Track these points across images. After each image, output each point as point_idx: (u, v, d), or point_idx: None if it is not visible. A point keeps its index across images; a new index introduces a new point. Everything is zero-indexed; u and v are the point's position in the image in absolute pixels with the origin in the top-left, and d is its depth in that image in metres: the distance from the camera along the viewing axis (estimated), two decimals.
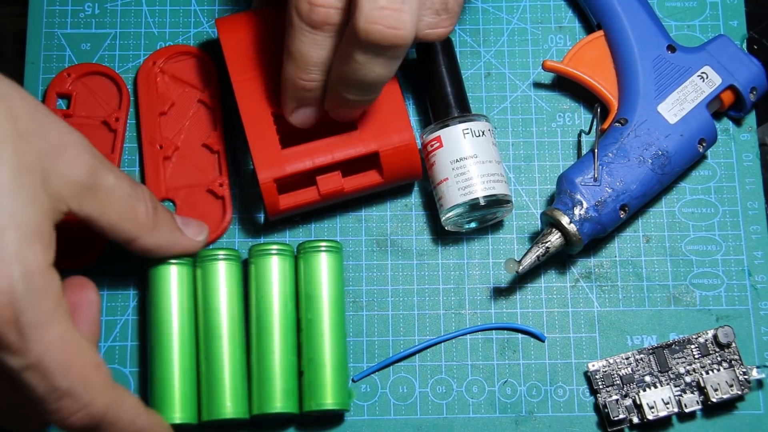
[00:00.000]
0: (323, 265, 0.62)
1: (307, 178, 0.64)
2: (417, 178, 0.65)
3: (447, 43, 0.67)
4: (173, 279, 0.62)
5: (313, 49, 0.57)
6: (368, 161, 0.64)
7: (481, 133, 0.64)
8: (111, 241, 0.57)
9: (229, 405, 0.60)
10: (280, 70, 0.61)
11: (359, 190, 0.64)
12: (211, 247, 0.65)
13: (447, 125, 0.64)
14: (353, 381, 0.64)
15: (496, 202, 0.63)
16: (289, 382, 0.61)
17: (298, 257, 0.63)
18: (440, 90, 0.66)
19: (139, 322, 0.65)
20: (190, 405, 0.61)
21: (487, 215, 0.65)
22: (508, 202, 0.64)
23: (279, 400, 0.60)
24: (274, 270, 0.62)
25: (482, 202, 0.63)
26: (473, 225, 0.66)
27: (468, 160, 0.63)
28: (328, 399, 0.60)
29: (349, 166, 0.64)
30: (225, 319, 0.61)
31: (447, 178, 0.63)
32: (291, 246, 0.63)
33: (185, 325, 0.61)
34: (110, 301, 0.65)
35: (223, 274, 0.62)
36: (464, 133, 0.64)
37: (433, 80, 0.66)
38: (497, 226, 0.67)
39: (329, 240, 0.63)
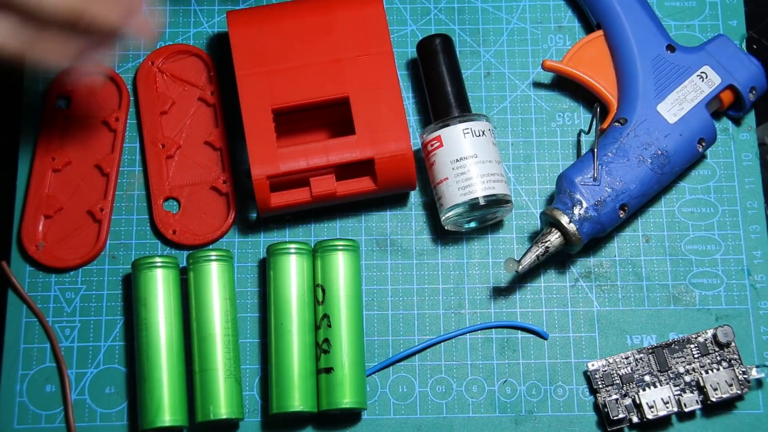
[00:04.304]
0: (341, 264, 0.63)
1: (302, 179, 0.64)
2: (411, 188, 0.65)
3: (447, 43, 0.67)
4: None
5: None
6: (364, 167, 0.64)
7: (481, 133, 0.64)
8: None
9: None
10: (286, 68, 0.61)
11: (352, 195, 0.64)
12: (218, 244, 0.66)
13: (447, 125, 0.64)
14: None
15: (496, 201, 0.63)
16: (308, 381, 0.61)
17: (316, 256, 0.63)
18: (440, 89, 0.66)
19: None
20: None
21: (486, 215, 0.65)
22: (508, 202, 0.64)
23: (298, 399, 0.61)
24: (293, 268, 0.62)
25: (482, 202, 0.63)
26: (473, 225, 0.66)
27: (468, 160, 0.63)
28: (347, 398, 0.61)
29: (344, 171, 0.64)
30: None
31: (447, 178, 0.63)
32: (309, 244, 0.63)
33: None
34: (110, 300, 0.65)
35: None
36: (464, 133, 0.64)
37: (433, 80, 0.67)
38: (497, 226, 0.67)
39: (347, 239, 0.63)
